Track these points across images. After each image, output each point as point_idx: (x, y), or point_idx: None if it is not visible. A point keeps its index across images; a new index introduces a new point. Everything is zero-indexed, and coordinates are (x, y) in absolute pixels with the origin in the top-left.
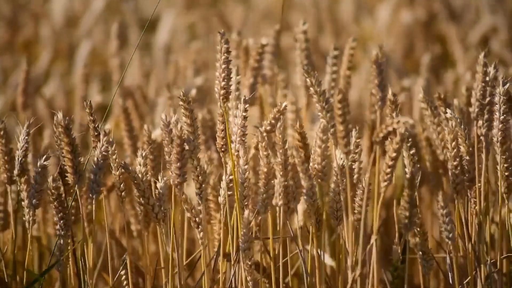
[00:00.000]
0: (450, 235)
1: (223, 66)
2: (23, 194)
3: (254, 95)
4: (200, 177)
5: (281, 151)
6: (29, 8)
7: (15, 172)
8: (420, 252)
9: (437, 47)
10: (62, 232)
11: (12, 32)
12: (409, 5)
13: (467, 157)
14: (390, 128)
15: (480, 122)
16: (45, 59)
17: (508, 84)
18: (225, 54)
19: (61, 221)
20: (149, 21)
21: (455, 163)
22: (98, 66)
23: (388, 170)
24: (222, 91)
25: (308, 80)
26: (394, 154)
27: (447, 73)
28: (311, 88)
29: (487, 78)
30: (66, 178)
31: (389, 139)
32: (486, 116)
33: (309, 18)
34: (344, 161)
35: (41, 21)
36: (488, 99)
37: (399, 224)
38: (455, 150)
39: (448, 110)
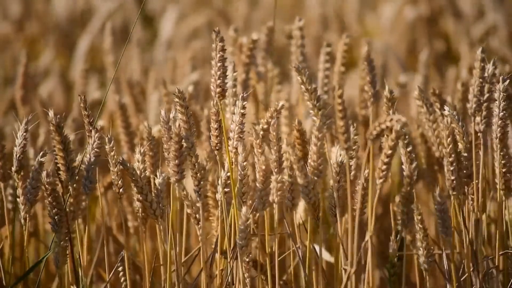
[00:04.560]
0: (446, 231)
1: (219, 64)
2: (19, 191)
3: (249, 92)
4: (198, 174)
5: (275, 148)
6: (33, 5)
7: (13, 168)
8: (421, 249)
9: (440, 44)
10: (57, 228)
11: (16, 29)
12: (413, 2)
13: (465, 154)
14: (383, 126)
15: (478, 118)
16: (48, 56)
17: (508, 81)
18: (220, 52)
19: (56, 217)
20: (136, 18)
21: (451, 159)
22: (98, 62)
23: (384, 167)
24: (218, 89)
25: (298, 78)
26: (389, 152)
27: (449, 70)
28: (302, 86)
29: (485, 74)
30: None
31: (384, 136)
32: (484, 113)
33: (314, 15)
34: (342, 157)
35: (45, 18)
36: (486, 95)
37: (395, 220)
38: (450, 146)
39: (446, 108)
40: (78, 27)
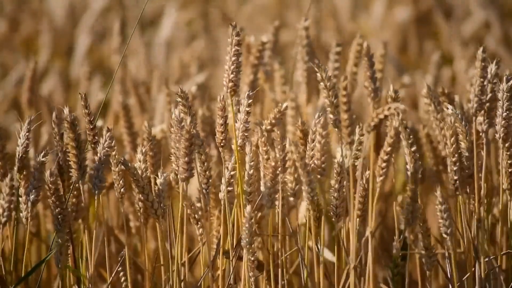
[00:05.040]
0: (448, 230)
1: (233, 58)
2: (21, 190)
3: (255, 92)
4: (207, 172)
5: (279, 147)
6: (29, 4)
7: (15, 168)
8: (423, 248)
9: (430, 43)
10: (60, 228)
11: (12, 28)
12: (404, 1)
13: (467, 153)
14: (381, 116)
15: (481, 118)
16: (45, 56)
17: None
18: (236, 47)
19: (59, 217)
20: (137, 16)
21: (454, 159)
22: (96, 62)
23: (384, 164)
24: (230, 84)
25: (318, 74)
26: (389, 149)
27: (443, 70)
28: (322, 83)
29: (488, 75)
30: (65, 174)
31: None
32: (486, 113)
33: (307, 15)
34: (346, 155)
35: (41, 17)
36: (489, 95)
37: (398, 219)
38: (454, 146)
39: (450, 106)
40: (74, 25)
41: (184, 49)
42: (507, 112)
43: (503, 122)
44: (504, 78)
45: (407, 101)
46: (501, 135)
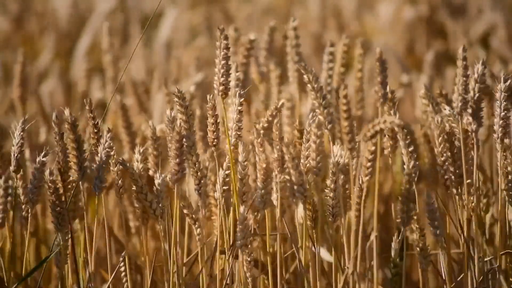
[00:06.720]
0: (438, 231)
1: (222, 62)
2: (20, 190)
3: (246, 91)
4: (199, 173)
5: (277, 147)
6: (34, 4)
7: (11, 168)
8: (418, 248)
9: (439, 43)
10: (60, 227)
11: (15, 27)
12: (412, 1)
13: (457, 153)
14: (377, 128)
15: (470, 118)
16: (47, 56)
17: (509, 81)
18: (224, 50)
19: (59, 216)
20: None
21: (442, 158)
22: (97, 62)
23: (369, 164)
24: (221, 87)
25: (305, 76)
26: (373, 148)
27: (448, 70)
28: (309, 85)
29: (475, 75)
30: (65, 174)
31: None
32: (474, 113)
33: (312, 14)
34: (342, 158)
35: (45, 17)
36: (477, 95)
37: (396, 220)
38: (442, 145)
39: (447, 107)
40: (78, 27)
41: (185, 48)
42: (505, 112)
43: (501, 122)
44: (502, 78)
45: (406, 100)
46: (499, 135)
